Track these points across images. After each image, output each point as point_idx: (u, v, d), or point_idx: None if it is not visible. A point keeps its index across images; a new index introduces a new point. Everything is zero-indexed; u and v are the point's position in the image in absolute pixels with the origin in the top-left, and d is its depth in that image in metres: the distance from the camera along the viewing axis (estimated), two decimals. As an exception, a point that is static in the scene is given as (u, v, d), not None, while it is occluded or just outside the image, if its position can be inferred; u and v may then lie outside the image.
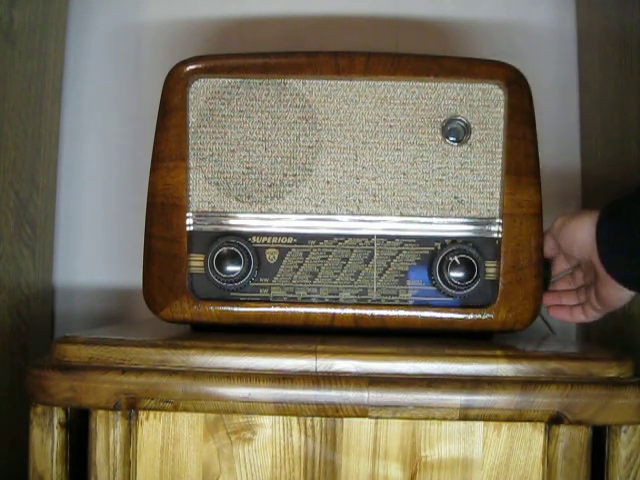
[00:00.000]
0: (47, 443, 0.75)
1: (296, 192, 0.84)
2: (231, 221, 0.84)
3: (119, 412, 0.75)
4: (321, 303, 0.84)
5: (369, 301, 0.84)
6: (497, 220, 0.83)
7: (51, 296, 1.26)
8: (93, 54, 1.29)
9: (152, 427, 0.76)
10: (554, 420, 0.74)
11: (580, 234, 0.80)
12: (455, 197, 0.84)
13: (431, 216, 0.84)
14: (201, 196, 0.84)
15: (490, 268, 0.83)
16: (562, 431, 0.74)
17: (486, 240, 0.84)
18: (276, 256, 0.84)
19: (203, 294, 0.84)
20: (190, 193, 0.84)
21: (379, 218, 0.84)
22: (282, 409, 0.74)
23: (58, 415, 0.76)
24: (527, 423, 0.75)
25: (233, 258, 0.83)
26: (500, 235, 0.83)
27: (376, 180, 0.84)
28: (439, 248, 0.84)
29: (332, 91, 0.84)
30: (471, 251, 0.82)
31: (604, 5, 1.13)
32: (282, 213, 0.84)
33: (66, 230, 1.28)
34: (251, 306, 0.84)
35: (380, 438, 0.76)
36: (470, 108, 0.84)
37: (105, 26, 1.28)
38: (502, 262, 0.83)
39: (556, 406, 0.73)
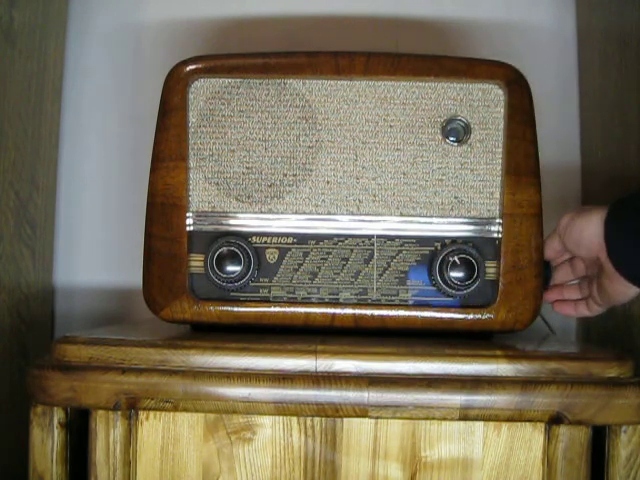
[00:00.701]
0: (47, 443, 0.75)
1: (296, 192, 0.84)
2: (231, 221, 0.84)
3: (119, 412, 0.75)
4: (321, 303, 0.84)
5: (369, 301, 0.84)
6: (497, 220, 0.83)
7: (51, 296, 1.26)
8: (93, 54, 1.29)
9: (152, 427, 0.76)
10: (554, 420, 0.74)
11: (588, 231, 0.80)
12: (455, 197, 0.84)
13: (431, 216, 0.84)
14: (201, 196, 0.84)
15: (490, 268, 0.83)
16: (562, 431, 0.74)
17: (486, 240, 0.84)
18: (276, 256, 0.84)
19: (203, 294, 0.84)
20: (190, 193, 0.84)
21: (379, 218, 0.84)
22: (282, 409, 0.74)
23: (58, 415, 0.76)
24: (527, 423, 0.75)
25: (233, 258, 0.82)
26: (500, 235, 0.83)
27: (376, 180, 0.84)
28: (439, 248, 0.84)
29: (332, 91, 0.84)
30: (471, 251, 0.82)
31: (604, 5, 1.13)
32: (282, 213, 0.84)
33: (66, 230, 1.28)
34: (251, 306, 0.84)
35: (380, 438, 0.76)
36: (470, 108, 0.84)
37: (105, 26, 1.28)
38: (502, 262, 0.83)
39: (556, 406, 0.73)
